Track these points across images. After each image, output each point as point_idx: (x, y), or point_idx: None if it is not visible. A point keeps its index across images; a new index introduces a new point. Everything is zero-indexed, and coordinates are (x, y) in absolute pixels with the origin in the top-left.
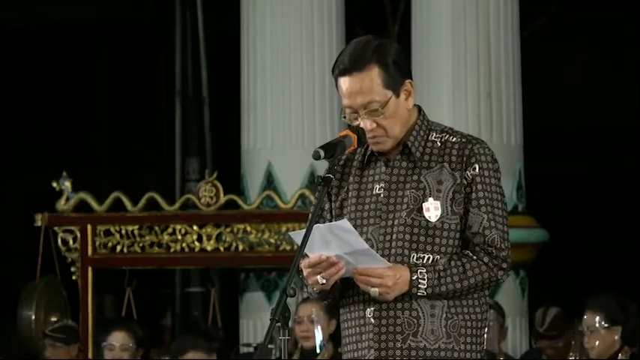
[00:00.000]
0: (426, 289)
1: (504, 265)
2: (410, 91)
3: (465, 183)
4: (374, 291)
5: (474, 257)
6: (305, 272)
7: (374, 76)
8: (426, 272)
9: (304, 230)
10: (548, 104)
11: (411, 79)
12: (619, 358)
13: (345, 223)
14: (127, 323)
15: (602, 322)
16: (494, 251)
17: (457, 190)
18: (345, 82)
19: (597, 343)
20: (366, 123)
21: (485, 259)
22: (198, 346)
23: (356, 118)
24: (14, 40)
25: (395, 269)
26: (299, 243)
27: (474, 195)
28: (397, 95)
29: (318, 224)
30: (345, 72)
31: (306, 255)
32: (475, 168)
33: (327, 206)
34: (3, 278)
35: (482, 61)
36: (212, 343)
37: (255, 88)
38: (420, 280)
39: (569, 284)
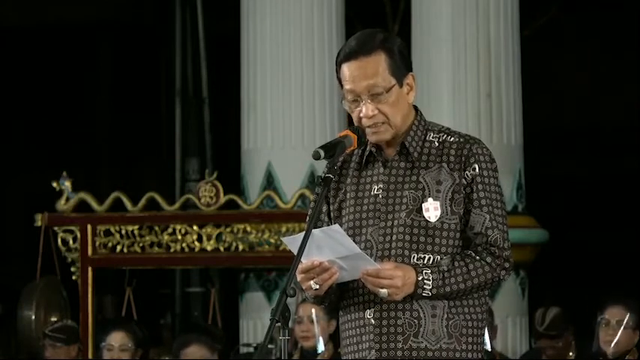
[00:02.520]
0: (430, 290)
1: (507, 265)
2: (412, 85)
3: (465, 183)
4: (383, 292)
5: (477, 257)
6: (298, 278)
7: (380, 60)
8: (431, 273)
9: (297, 236)
10: (548, 104)
11: (413, 74)
12: (627, 358)
13: (336, 227)
14: (125, 324)
15: (632, 322)
16: (497, 251)
17: (456, 190)
18: (349, 66)
19: (621, 339)
20: (368, 108)
21: (489, 259)
22: (202, 342)
23: (357, 106)
24: (14, 40)
25: (403, 269)
26: (292, 249)
27: (474, 195)
28: (400, 85)
29: (314, 229)
30: (350, 56)
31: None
32: (475, 168)
33: (324, 208)
34: (3, 278)
35: (482, 61)
36: (215, 343)
37: (255, 88)
38: (425, 281)
39: (569, 284)
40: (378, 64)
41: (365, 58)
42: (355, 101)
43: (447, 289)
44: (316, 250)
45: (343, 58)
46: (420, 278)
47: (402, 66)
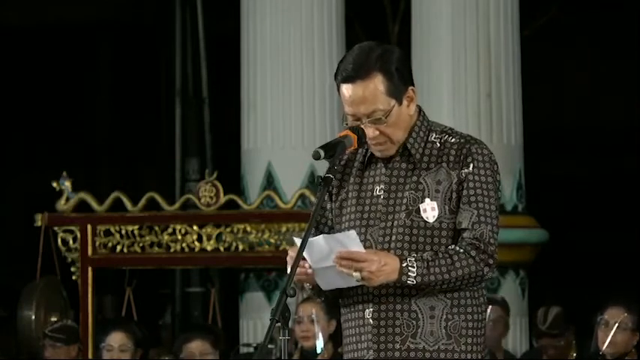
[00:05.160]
0: (415, 277)
1: (490, 261)
2: (412, 97)
3: (459, 181)
4: (356, 275)
5: (461, 250)
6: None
7: (378, 84)
8: (415, 261)
9: (314, 239)
10: (548, 104)
11: (413, 85)
12: (626, 359)
13: (352, 233)
14: (125, 324)
15: (631, 324)
16: (482, 245)
17: (454, 189)
18: (348, 89)
19: (619, 340)
20: (368, 131)
21: (473, 253)
22: (205, 337)
23: (358, 126)
24: (14, 40)
25: (380, 255)
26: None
27: (464, 192)
28: (400, 103)
29: (326, 234)
30: (348, 79)
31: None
32: (470, 166)
33: (328, 206)
34: (3, 278)
35: (482, 61)
36: (218, 342)
37: (255, 88)
38: (409, 268)
39: (569, 284)
40: (376, 88)
41: (362, 83)
42: (357, 120)
43: (432, 277)
44: (326, 254)
45: (341, 80)
46: (404, 265)
47: (400, 84)
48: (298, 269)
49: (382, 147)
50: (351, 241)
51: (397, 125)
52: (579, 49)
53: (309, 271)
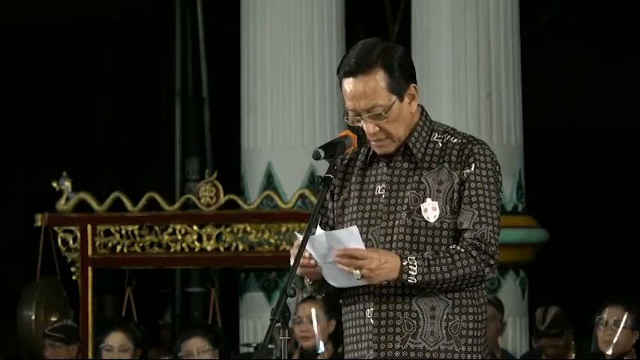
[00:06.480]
0: (416, 276)
1: (491, 262)
2: (414, 95)
3: (461, 182)
4: (356, 273)
5: (462, 250)
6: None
7: (379, 79)
8: (416, 259)
9: (317, 235)
10: (548, 104)
11: (416, 82)
12: (625, 359)
13: (353, 229)
14: (125, 324)
15: (630, 322)
16: (482, 246)
17: (456, 189)
18: (349, 83)
19: (619, 339)
20: (368, 126)
21: (474, 253)
22: (204, 335)
23: (359, 121)
24: (14, 40)
25: (380, 253)
26: (307, 247)
27: (466, 192)
28: (401, 99)
29: (327, 231)
30: (350, 74)
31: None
32: (471, 167)
33: (330, 205)
34: (3, 278)
35: (482, 61)
36: (217, 340)
37: (255, 89)
38: (410, 267)
39: (569, 284)
40: (377, 83)
41: (363, 77)
42: (357, 115)
43: (432, 276)
44: (329, 251)
45: (343, 74)
46: (404, 263)
47: (401, 80)
48: (304, 261)
49: (381, 143)
50: (351, 237)
51: (398, 122)
52: (579, 49)
53: (312, 262)
